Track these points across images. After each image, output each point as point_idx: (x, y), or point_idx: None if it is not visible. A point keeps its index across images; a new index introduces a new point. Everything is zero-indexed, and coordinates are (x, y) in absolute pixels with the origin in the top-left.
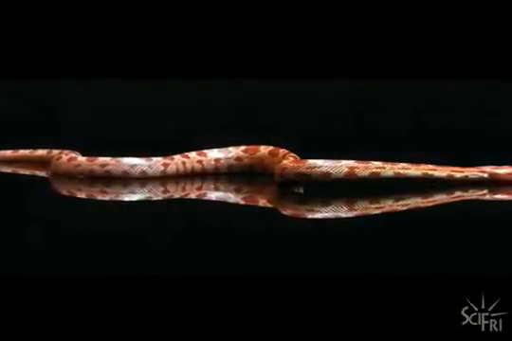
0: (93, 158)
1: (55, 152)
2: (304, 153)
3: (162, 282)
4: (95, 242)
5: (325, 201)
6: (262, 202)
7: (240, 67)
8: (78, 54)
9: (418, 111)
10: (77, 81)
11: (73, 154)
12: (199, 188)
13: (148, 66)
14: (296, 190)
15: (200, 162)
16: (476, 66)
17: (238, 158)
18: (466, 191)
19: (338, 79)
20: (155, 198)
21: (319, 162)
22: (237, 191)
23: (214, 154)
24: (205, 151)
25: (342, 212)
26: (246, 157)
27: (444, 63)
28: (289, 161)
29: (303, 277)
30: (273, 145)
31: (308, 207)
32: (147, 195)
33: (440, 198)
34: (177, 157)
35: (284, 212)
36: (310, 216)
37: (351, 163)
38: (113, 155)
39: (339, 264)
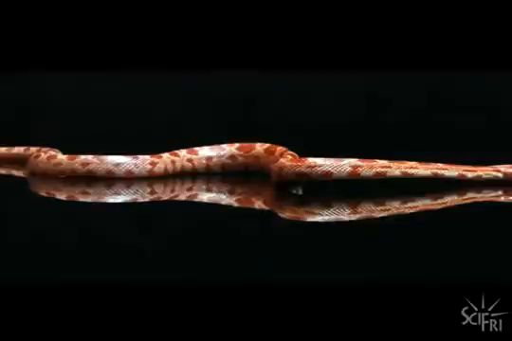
0: (74, 156)
1: (33, 149)
2: (304, 151)
3: (147, 291)
4: (76, 247)
5: (326, 203)
6: (257, 204)
7: (235, 59)
8: (56, 45)
9: (426, 105)
10: (55, 74)
11: (52, 152)
12: (189, 189)
13: (132, 58)
14: (295, 191)
15: (190, 160)
16: (485, 59)
17: (232, 156)
18: (480, 192)
19: (338, 71)
20: (141, 200)
21: (319, 161)
22: (231, 193)
23: (206, 152)
24: (196, 148)
25: (345, 215)
26: (241, 155)
27: (452, 55)
28: (287, 160)
29: (303, 286)
30: (270, 142)
31: (308, 210)
32: (133, 197)
33: (451, 200)
34: (166, 155)
35: (282, 215)
36: (310, 219)
37: (354, 162)
38: (96, 153)
39: (342, 271)
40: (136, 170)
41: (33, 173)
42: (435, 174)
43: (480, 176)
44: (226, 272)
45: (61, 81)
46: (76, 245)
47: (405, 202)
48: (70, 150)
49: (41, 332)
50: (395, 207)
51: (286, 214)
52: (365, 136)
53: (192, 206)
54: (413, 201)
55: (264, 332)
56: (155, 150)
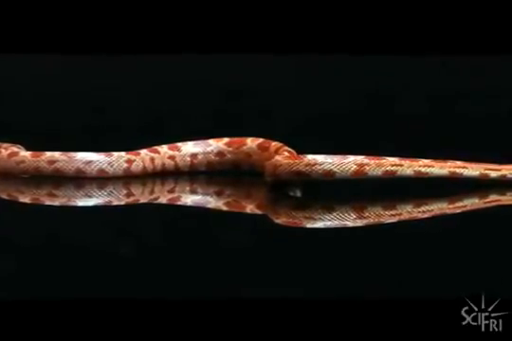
0: (39, 153)
1: None
2: (302, 147)
3: (122, 308)
4: (41, 257)
5: (328, 206)
6: (249, 208)
7: (226, 40)
8: (14, 25)
9: (442, 94)
10: (15, 57)
11: (15, 149)
12: (171, 191)
13: (105, 40)
14: (292, 193)
15: (172, 158)
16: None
17: (219, 153)
18: (504, 195)
19: (342, 53)
20: (116, 203)
21: (320, 158)
22: (218, 195)
23: (190, 149)
24: (178, 144)
25: (349, 220)
26: (230, 152)
27: (478, 38)
28: (283, 157)
29: (300, 301)
30: (263, 137)
31: (307, 215)
32: (106, 199)
33: (471, 203)
34: (144, 152)
35: (277, 221)
36: (309, 225)
37: (360, 159)
38: (64, 150)
39: (345, 285)
40: (110, 169)
41: None
42: (453, 174)
43: (504, 176)
44: (211, 287)
45: (14, 64)
46: (41, 255)
47: (418, 205)
48: (35, 146)
49: None
50: (407, 212)
51: (282, 219)
52: (373, 131)
53: (174, 209)
54: (428, 204)
55: None
56: (131, 146)
